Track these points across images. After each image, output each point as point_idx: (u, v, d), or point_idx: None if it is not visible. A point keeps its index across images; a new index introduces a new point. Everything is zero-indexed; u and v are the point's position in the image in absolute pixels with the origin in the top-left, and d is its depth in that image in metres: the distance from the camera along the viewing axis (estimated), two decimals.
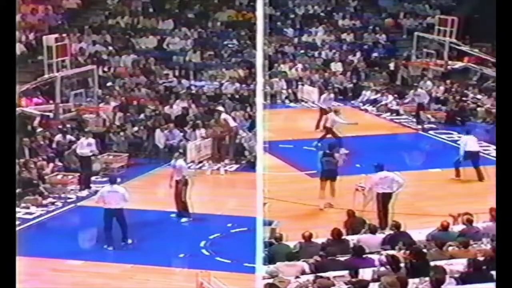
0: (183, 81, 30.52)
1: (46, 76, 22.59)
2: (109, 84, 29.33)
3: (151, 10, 35.04)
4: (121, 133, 24.05)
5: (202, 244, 16.15)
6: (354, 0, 36.08)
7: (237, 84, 30.17)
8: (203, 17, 34.91)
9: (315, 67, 32.69)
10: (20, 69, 18.78)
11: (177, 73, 31.47)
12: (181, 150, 20.99)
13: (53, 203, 19.21)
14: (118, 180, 17.49)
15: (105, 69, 30.97)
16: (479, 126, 22.73)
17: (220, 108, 24.93)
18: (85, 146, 20.51)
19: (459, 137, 23.54)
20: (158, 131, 23.63)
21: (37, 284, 14.27)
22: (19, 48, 29.86)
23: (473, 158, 19.31)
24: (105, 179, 21.07)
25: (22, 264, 10.75)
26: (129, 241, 16.11)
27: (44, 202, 19.15)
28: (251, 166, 21.77)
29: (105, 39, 32.86)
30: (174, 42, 33.35)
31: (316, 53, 33.73)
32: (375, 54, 33.58)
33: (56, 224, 17.69)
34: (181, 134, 23.70)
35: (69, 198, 19.56)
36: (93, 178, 20.89)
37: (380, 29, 34.42)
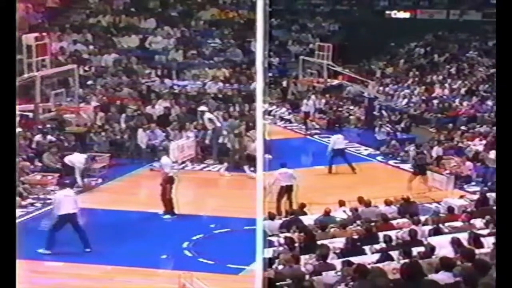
0: (166, 80, 30.28)
1: (25, 75, 22.32)
2: (89, 83, 29.01)
3: (133, 9, 34.79)
4: (103, 133, 23.74)
5: (185, 245, 15.95)
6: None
7: (221, 84, 29.98)
8: (186, 16, 34.81)
9: None
10: None
11: (159, 73, 31.28)
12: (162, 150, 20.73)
13: (32, 204, 18.91)
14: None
15: (86, 68, 30.63)
16: (352, 130, 28.67)
17: (204, 107, 24.72)
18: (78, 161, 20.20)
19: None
20: (140, 131, 23.35)
21: (17, 286, 13.91)
22: None
23: (341, 155, 22.85)
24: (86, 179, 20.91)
25: None
26: (88, 249, 15.50)
27: (24, 203, 18.80)
28: (234, 166, 21.65)
29: (86, 38, 32.60)
30: (157, 41, 33.12)
31: None
32: (270, 74, 34.50)
33: (36, 225, 17.32)
34: (164, 134, 23.45)
35: (49, 199, 19.11)
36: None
37: (274, 53, 35.54)
